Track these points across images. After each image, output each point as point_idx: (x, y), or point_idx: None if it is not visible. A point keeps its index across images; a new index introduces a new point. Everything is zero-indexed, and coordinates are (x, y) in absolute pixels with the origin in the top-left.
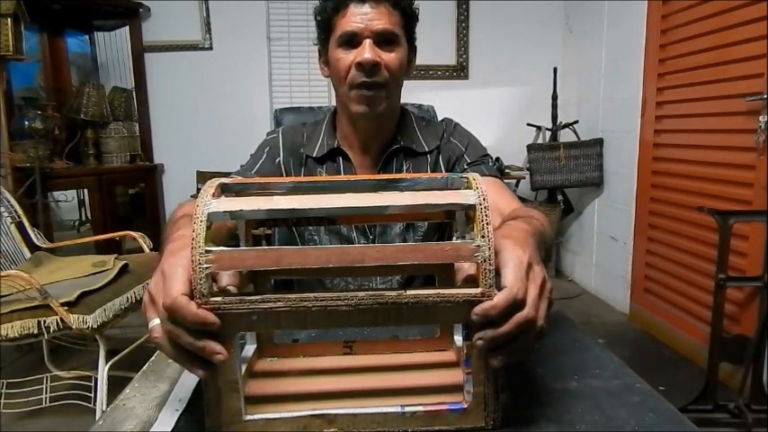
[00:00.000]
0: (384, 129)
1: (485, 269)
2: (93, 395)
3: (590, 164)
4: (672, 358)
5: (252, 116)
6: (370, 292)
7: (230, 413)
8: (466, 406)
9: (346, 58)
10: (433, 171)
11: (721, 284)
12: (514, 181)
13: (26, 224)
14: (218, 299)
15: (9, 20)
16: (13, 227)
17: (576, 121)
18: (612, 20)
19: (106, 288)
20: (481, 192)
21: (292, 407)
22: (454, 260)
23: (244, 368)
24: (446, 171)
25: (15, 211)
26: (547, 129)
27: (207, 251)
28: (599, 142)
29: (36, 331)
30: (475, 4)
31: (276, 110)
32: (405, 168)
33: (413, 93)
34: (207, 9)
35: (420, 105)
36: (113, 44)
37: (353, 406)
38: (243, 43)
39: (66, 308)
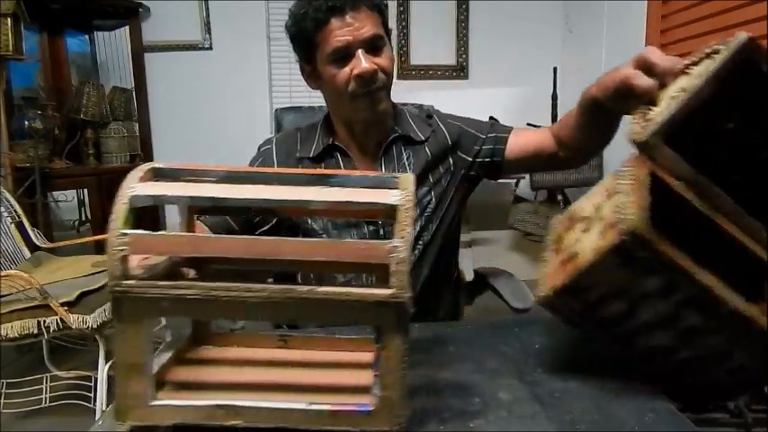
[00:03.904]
0: (382, 124)
1: (398, 270)
2: (92, 395)
3: (590, 164)
4: None
5: (252, 116)
6: (282, 286)
7: (136, 397)
8: (372, 408)
9: (342, 72)
10: (427, 158)
11: None
12: (514, 180)
13: (26, 224)
14: (131, 282)
15: (9, 20)
16: (13, 227)
17: None
18: (612, 20)
19: (106, 288)
20: (407, 193)
21: (204, 395)
22: (369, 260)
23: (171, 354)
24: (439, 157)
25: (15, 211)
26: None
27: (123, 234)
28: None
29: (36, 331)
30: (475, 4)
31: (276, 109)
32: (405, 156)
33: (413, 93)
34: (207, 9)
35: (420, 105)
36: (113, 44)
37: (262, 399)
38: (243, 43)
39: (66, 308)
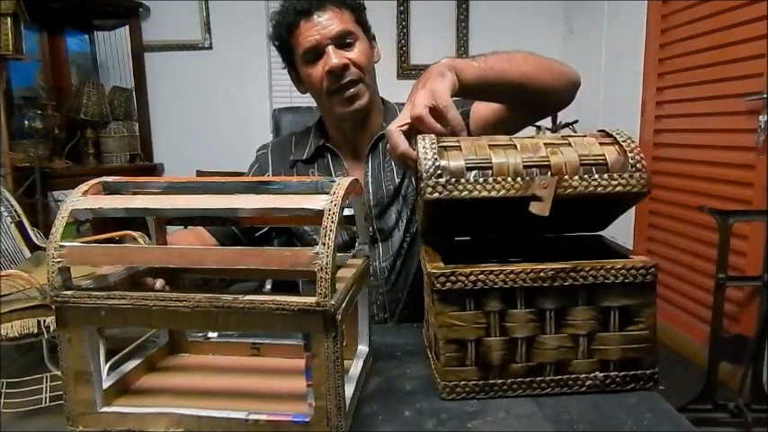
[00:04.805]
0: (371, 122)
1: (321, 278)
2: None
3: None
4: (672, 358)
5: (251, 116)
6: (208, 295)
7: (84, 404)
8: (308, 419)
9: (316, 71)
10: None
11: (721, 284)
12: None
13: (26, 224)
14: (69, 292)
15: (9, 19)
16: (12, 226)
17: (576, 121)
18: (612, 20)
19: None
20: (335, 198)
21: (160, 402)
22: (292, 266)
23: (140, 361)
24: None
25: (15, 211)
26: (547, 128)
27: (61, 246)
28: None
29: (36, 331)
30: (475, 4)
31: (275, 110)
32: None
33: None
34: (207, 9)
35: None
36: (113, 43)
37: (205, 408)
38: (243, 43)
39: None
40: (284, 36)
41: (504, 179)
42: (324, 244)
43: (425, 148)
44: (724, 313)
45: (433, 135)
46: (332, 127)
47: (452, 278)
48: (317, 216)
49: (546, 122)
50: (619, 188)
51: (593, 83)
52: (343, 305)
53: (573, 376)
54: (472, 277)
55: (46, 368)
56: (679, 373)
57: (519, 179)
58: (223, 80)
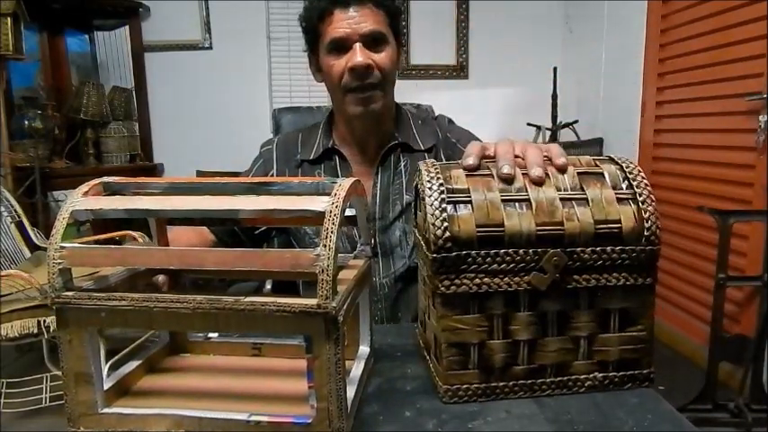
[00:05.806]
0: (382, 127)
1: (322, 280)
2: None
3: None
4: (672, 358)
5: (251, 116)
6: (209, 297)
7: (85, 405)
8: (310, 421)
9: (338, 63)
10: None
11: (721, 284)
12: None
13: (26, 224)
14: (70, 293)
15: (9, 19)
16: (12, 226)
17: (576, 121)
18: (612, 20)
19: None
20: (336, 200)
21: (160, 404)
22: (292, 269)
23: (141, 362)
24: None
25: (15, 211)
26: (547, 129)
27: (61, 247)
28: (599, 142)
29: (36, 331)
30: (475, 4)
31: (275, 110)
32: (402, 164)
33: (412, 92)
34: (207, 9)
35: (419, 105)
36: (113, 44)
37: (206, 409)
38: (243, 43)
39: None
40: (314, 20)
41: (515, 252)
42: (325, 246)
43: (433, 205)
44: (724, 313)
45: (441, 184)
46: (341, 123)
47: (457, 282)
48: (318, 217)
49: (546, 122)
50: (627, 262)
51: (593, 83)
52: (345, 307)
53: (573, 377)
54: (477, 280)
55: (46, 368)
56: (679, 373)
57: (530, 251)
58: (223, 80)
